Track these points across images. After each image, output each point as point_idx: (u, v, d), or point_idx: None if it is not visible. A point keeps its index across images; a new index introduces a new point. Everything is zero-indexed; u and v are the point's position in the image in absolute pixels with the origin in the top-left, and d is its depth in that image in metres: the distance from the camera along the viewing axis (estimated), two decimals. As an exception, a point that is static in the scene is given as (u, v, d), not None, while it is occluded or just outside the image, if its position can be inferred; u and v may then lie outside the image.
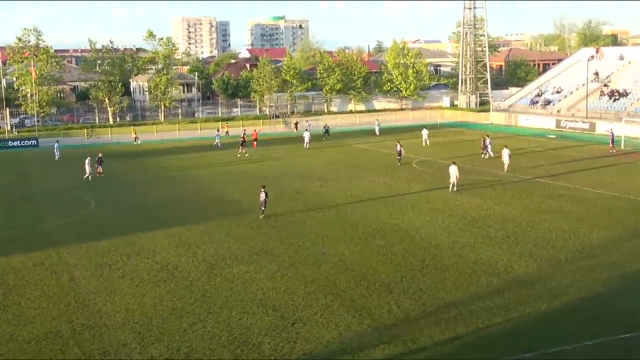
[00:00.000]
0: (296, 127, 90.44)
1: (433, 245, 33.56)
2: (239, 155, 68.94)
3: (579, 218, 38.51)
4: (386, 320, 24.18)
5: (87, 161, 56.43)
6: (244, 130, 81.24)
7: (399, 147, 60.47)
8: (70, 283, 29.19)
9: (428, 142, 72.21)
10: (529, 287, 27.20)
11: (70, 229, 39.38)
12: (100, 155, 59.04)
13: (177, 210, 43.68)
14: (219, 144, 76.88)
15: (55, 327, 24.26)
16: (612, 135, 66.91)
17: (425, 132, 73.90)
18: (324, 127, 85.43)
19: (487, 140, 63.15)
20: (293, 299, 26.34)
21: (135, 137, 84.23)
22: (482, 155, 62.06)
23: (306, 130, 78.15)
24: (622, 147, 66.90)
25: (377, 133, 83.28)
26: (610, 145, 65.92)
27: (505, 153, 55.00)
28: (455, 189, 47.15)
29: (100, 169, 57.61)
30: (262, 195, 40.29)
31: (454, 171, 47.37)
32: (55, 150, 69.97)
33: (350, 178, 53.91)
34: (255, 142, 74.67)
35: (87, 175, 55.77)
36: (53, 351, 22.34)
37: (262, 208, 40.49)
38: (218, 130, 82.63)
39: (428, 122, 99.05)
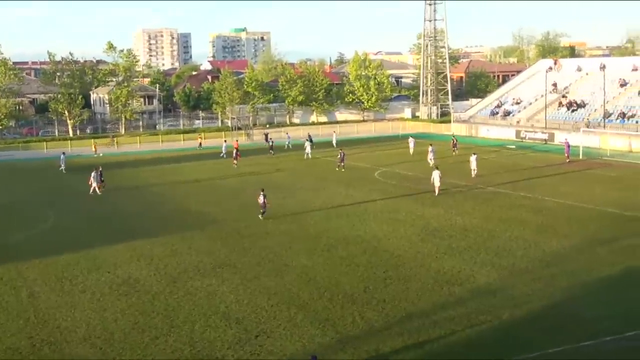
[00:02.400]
0: (266, 139, 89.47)
1: (395, 255, 33.69)
2: (234, 165, 69.08)
3: (539, 227, 38.97)
4: (350, 331, 24.20)
5: (92, 174, 54.93)
6: (237, 140, 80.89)
7: (342, 154, 64.85)
8: (30, 298, 28.75)
9: (412, 151, 73.23)
10: (490, 296, 27.44)
11: (29, 243, 38.81)
12: (100, 168, 56.84)
13: (139, 223, 43.31)
14: (224, 155, 76.48)
15: (14, 343, 23.86)
16: (568, 145, 67.85)
17: (412, 141, 75.17)
18: (308, 136, 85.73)
19: (430, 148, 65.70)
20: (256, 312, 26.24)
21: (95, 150, 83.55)
22: (430, 163, 63.36)
23: (307, 141, 77.91)
24: (580, 157, 67.89)
25: (334, 144, 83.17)
26: (566, 155, 66.84)
27: (473, 159, 56.93)
28: (437, 192, 49.20)
29: (97, 184, 55.12)
30: (261, 198, 42.35)
31: (436, 176, 49.39)
32: (61, 162, 69.12)
33: (312, 189, 53.93)
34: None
35: (92, 188, 54.43)
36: (12, 368, 21.99)
37: (262, 210, 42.54)
38: (225, 141, 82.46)
39: (390, 133, 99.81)
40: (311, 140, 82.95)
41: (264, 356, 22.30)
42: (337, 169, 63.71)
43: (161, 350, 22.92)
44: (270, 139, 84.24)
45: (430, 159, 63.79)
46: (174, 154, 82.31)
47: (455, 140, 76.14)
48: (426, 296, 27.60)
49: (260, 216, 42.63)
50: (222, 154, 76.88)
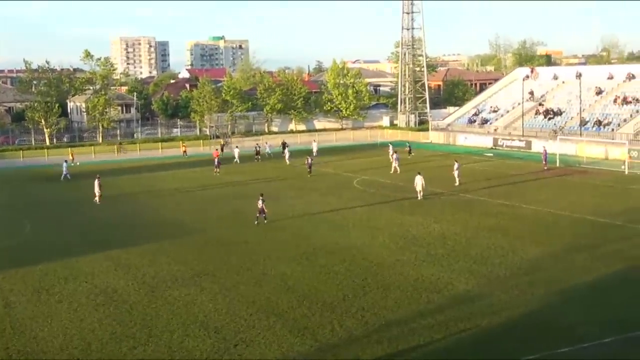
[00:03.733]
0: (222, 149, 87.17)
1: (375, 264, 33.71)
2: (216, 173, 69.42)
3: (517, 235, 39.17)
4: (329, 339, 24.17)
5: (96, 182, 54.49)
6: (216, 149, 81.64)
7: (309, 160, 68.05)
8: (6, 309, 28.44)
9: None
10: (469, 303, 27.52)
11: (5, 253, 38.41)
12: (98, 176, 56.07)
13: (116, 232, 43.05)
14: (237, 161, 79.03)
15: (-11, 354, 23.62)
16: (545, 153, 68.43)
17: (391, 147, 75.65)
18: (283, 143, 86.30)
19: (395, 156, 68.05)
20: (235, 321, 26.14)
21: (72, 159, 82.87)
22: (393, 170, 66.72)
23: (285, 148, 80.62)
24: (557, 164, 68.41)
25: (315, 153, 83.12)
26: (544, 162, 67.42)
27: (455, 166, 57.97)
28: (420, 196, 50.49)
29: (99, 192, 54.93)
30: (260, 203, 43.19)
31: (419, 181, 50.66)
32: (64, 169, 68.72)
33: (291, 197, 53.91)
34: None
35: (97, 197, 53.99)
36: (-12, 379, 21.75)
37: (258, 215, 43.41)
38: (237, 147, 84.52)
39: (368, 141, 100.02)
40: (284, 147, 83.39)
41: (243, 365, 22.22)
42: (309, 176, 65.65)
43: (139, 360, 22.78)
44: (257, 145, 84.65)
45: (395, 167, 65.94)
46: (152, 163, 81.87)
47: (409, 147, 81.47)
48: (405, 304, 27.63)
49: (256, 222, 43.39)
50: (235, 160, 78.89)
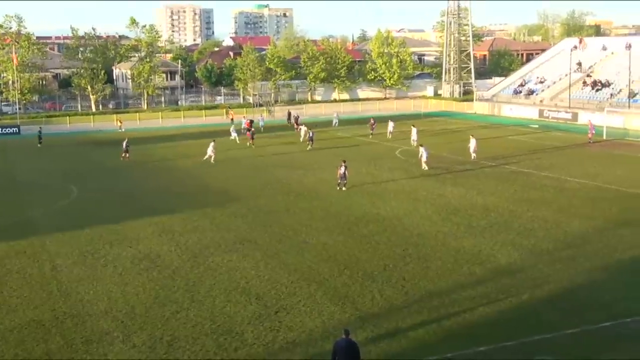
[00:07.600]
0: (232, 120, 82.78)
1: (416, 234, 33.66)
2: (251, 145, 67.62)
3: (561, 208, 38.74)
4: (369, 308, 24.26)
5: (211, 144, 57.03)
6: (247, 118, 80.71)
7: (310, 134, 65.44)
8: (53, 271, 29.06)
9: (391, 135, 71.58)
10: (511, 276, 27.37)
11: (52, 217, 39.16)
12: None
13: (160, 199, 43.55)
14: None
15: (37, 315, 24.15)
16: (592, 125, 67.27)
17: (390, 124, 73.11)
18: (292, 115, 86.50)
19: (414, 130, 65.30)
20: (276, 288, 26.37)
21: (120, 125, 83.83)
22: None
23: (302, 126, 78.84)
24: (604, 137, 67.30)
25: (335, 124, 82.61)
26: (589, 135, 66.20)
27: (472, 142, 56.18)
28: (424, 167, 50.78)
29: (126, 154, 59.00)
30: (342, 170, 44.45)
31: (423, 152, 50.94)
32: (233, 132, 71.21)
33: (333, 167, 53.72)
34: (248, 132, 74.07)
35: (212, 158, 56.30)
36: (35, 340, 22.24)
37: (340, 181, 44.66)
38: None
39: (412, 111, 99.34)
40: (292, 118, 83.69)
41: (284, 332, 22.44)
42: (308, 149, 63.51)
43: (182, 325, 23.11)
44: (296, 116, 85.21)
45: (414, 140, 63.24)
46: (196, 130, 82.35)
47: (373, 122, 75.00)
48: (446, 275, 27.59)
49: (338, 187, 44.62)
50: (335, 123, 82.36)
